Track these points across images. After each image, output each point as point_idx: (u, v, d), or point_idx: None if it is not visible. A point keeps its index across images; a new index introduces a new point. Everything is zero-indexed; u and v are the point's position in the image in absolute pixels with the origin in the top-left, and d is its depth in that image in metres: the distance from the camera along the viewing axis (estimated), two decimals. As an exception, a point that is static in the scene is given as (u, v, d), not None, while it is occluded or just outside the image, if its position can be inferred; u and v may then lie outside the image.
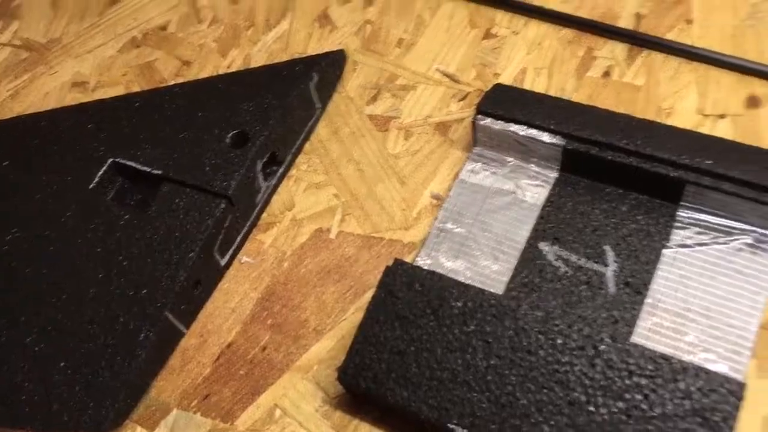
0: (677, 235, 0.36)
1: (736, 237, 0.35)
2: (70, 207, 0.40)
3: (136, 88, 0.49)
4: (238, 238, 0.40)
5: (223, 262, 0.40)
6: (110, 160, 0.41)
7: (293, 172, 0.43)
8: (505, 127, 0.39)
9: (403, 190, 0.41)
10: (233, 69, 0.48)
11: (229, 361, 0.37)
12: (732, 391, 0.29)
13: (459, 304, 0.33)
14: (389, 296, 0.34)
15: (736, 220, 0.35)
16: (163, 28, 0.52)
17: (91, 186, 0.40)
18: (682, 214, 0.36)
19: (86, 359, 0.36)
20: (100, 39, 0.52)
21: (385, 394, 0.32)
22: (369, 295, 0.38)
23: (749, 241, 0.35)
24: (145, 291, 0.37)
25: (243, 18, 0.51)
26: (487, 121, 0.39)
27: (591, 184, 0.38)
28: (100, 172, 0.41)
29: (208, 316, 0.39)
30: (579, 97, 0.42)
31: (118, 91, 0.49)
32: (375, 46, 0.47)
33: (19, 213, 0.40)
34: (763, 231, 0.35)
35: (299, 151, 0.43)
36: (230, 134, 0.40)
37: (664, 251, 0.35)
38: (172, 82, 0.48)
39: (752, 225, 0.35)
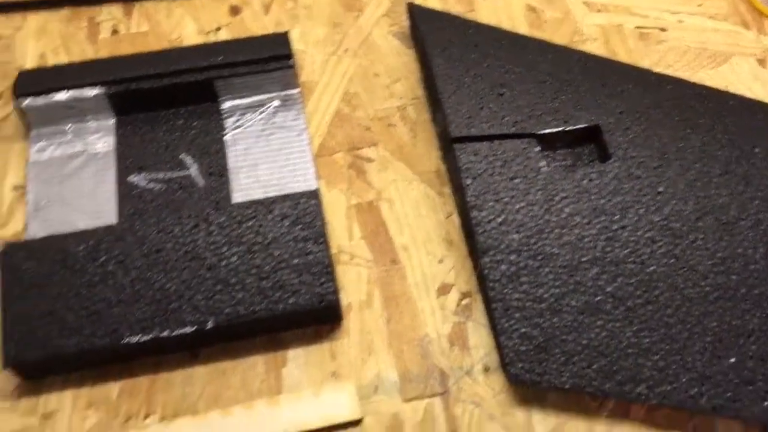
0: (228, 123, 0.44)
1: (268, 104, 0.44)
2: None
3: None
4: None
5: None
6: None
7: None
8: (49, 99, 0.42)
9: (-18, 196, 0.42)
10: None
11: None
12: (309, 196, 0.38)
13: (81, 247, 0.37)
14: (15, 273, 0.36)
15: (261, 93, 0.44)
16: None
17: None
18: (224, 106, 0.44)
19: None
20: None
21: (55, 351, 0.35)
22: (-2, 295, 0.39)
23: (278, 103, 0.44)
24: None
25: None
26: (29, 101, 0.42)
27: (147, 116, 0.44)
28: None
29: None
30: (102, 57, 0.47)
31: None
32: None
33: None
34: (282, 93, 0.44)
35: None
36: None
37: (225, 138, 0.43)
38: None
39: (274, 91, 0.44)
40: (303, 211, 0.38)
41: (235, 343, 0.37)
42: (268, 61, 0.43)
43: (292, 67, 0.44)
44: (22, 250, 0.36)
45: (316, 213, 0.38)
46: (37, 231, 0.40)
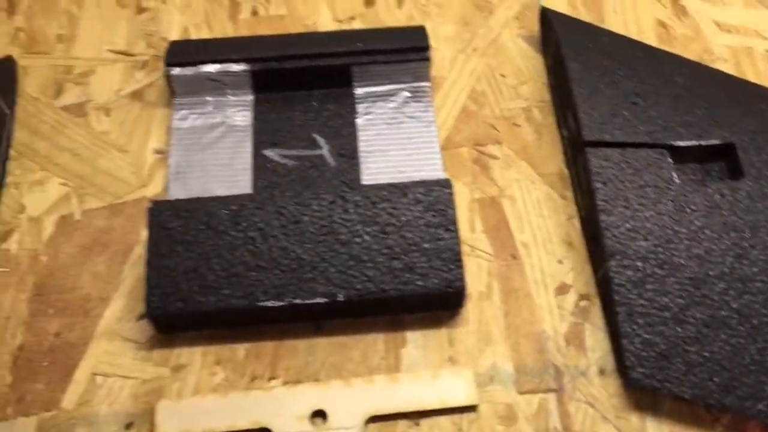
0: (360, 108, 0.45)
1: (399, 94, 0.45)
2: None
3: None
4: (-17, 255, 0.40)
5: (-24, 280, 0.39)
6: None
7: (9, 180, 0.43)
8: (197, 70, 0.44)
9: (127, 156, 0.44)
10: None
11: (28, 360, 0.38)
12: (444, 186, 0.39)
13: (225, 211, 0.38)
14: (162, 230, 0.38)
15: (394, 83, 0.45)
16: None
17: None
18: (357, 91, 0.45)
19: None
20: None
21: (195, 307, 0.36)
22: (137, 250, 0.41)
23: (409, 94, 0.45)
24: None
25: None
26: (178, 71, 0.44)
27: (284, 94, 0.45)
28: None
29: (-15, 334, 0.38)
30: (243, 32, 0.49)
31: None
32: (37, 48, 0.48)
33: None
34: (415, 84, 0.46)
35: (5, 159, 0.44)
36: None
37: (357, 121, 0.44)
38: None
39: (406, 82, 0.46)
40: (436, 198, 0.39)
41: (358, 320, 0.39)
42: (405, 51, 0.45)
43: (428, 59, 0.45)
44: (168, 208, 0.38)
45: (449, 201, 0.39)
46: (177, 193, 0.42)
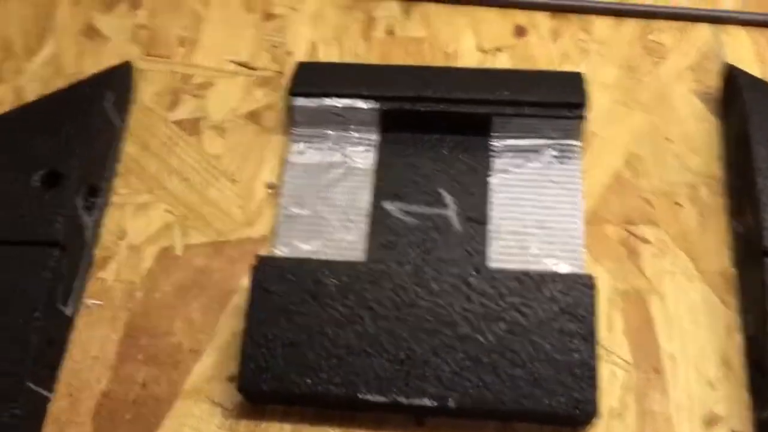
0: (497, 164, 0.39)
1: (543, 152, 0.39)
2: None
3: None
4: (76, 283, 0.38)
5: (68, 311, 0.37)
6: None
7: (114, 198, 0.41)
8: (321, 103, 0.40)
9: (236, 187, 0.41)
10: (5, 108, 0.43)
11: (111, 411, 0.35)
12: (586, 285, 0.34)
13: (334, 281, 0.34)
14: (264, 293, 0.34)
15: (540, 138, 0.40)
16: None
17: None
18: (495, 143, 0.40)
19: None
20: None
21: (290, 387, 0.33)
22: (235, 299, 0.38)
23: (555, 153, 0.39)
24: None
25: (-5, 46, 0.46)
26: (302, 101, 0.40)
27: (412, 137, 0.40)
28: None
29: (72, 372, 0.36)
30: (372, 58, 0.44)
31: None
32: (157, 50, 0.45)
33: None
34: (563, 141, 0.39)
35: (113, 175, 0.41)
36: (37, 175, 0.37)
37: (490, 180, 0.39)
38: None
39: (553, 138, 0.40)
40: (576, 300, 0.33)
41: (465, 420, 0.34)
42: (557, 106, 0.39)
43: (582, 117, 0.39)
44: (275, 268, 0.35)
45: (590, 305, 0.33)
46: (285, 239, 0.38)
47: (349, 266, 0.35)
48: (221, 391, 0.35)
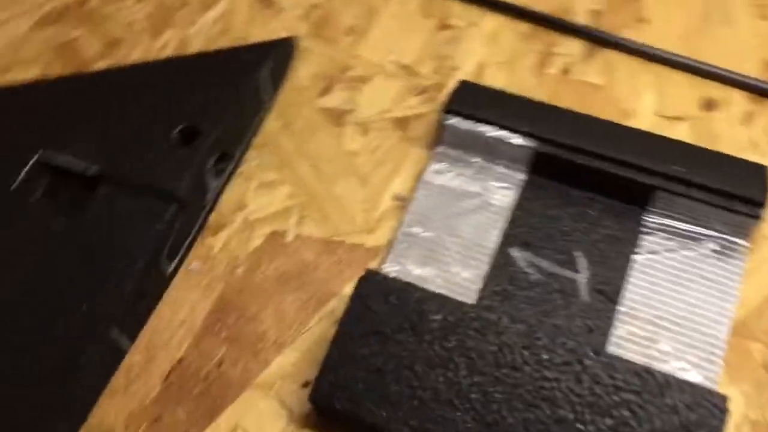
0: (646, 241, 0.36)
1: (703, 243, 0.35)
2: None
3: (54, 71, 0.44)
4: (186, 243, 0.37)
5: (169, 269, 0.36)
6: (36, 155, 0.36)
7: (243, 168, 0.40)
8: (474, 127, 0.37)
9: (363, 190, 0.39)
10: (167, 53, 0.44)
11: (181, 379, 0.34)
12: (717, 406, 0.29)
13: (438, 317, 0.32)
14: (364, 309, 0.32)
15: (703, 226, 0.35)
16: (83, 2, 0.47)
17: (13, 187, 0.35)
18: (650, 219, 0.36)
19: (21, 383, 0.32)
20: (6, 13, 0.47)
21: (362, 414, 0.31)
22: (332, 304, 0.36)
23: (716, 247, 0.35)
24: (86, 306, 0.33)
25: (176, -5, 0.47)
26: (455, 121, 0.37)
27: (560, 187, 0.37)
28: (25, 170, 0.36)
29: (155, 330, 0.36)
30: (539, 94, 0.41)
31: (33, 74, 0.44)
32: (325, 33, 0.44)
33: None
34: (729, 237, 0.35)
35: (248, 146, 0.40)
36: (178, 129, 0.36)
37: (634, 257, 0.35)
38: (97, 66, 0.44)
39: (719, 231, 0.35)
40: (702, 419, 0.29)
41: None
42: (732, 198, 0.34)
43: (758, 217, 0.34)
44: (381, 286, 0.32)
45: (718, 431, 0.29)
46: (400, 258, 0.36)
47: (457, 306, 0.32)
48: (292, 393, 0.34)
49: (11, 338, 0.32)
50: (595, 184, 0.36)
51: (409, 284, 0.33)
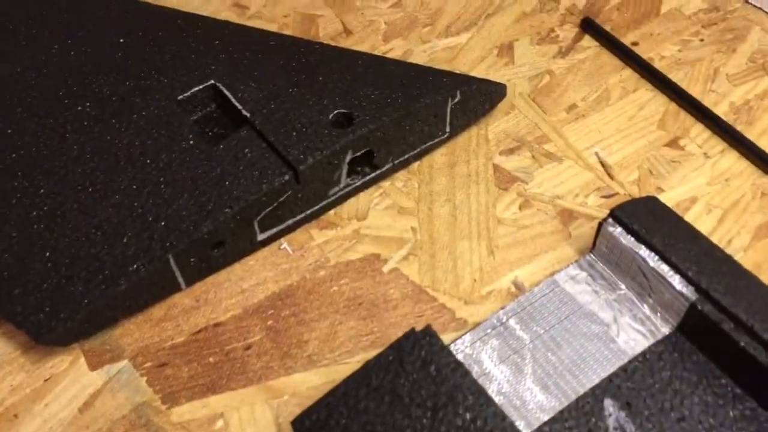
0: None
1: None
2: (150, 108, 0.36)
3: (288, 32, 0.45)
4: (290, 221, 0.35)
5: (261, 237, 0.34)
6: (211, 81, 0.37)
7: (385, 184, 0.37)
8: (634, 247, 0.31)
9: (487, 259, 0.34)
10: (388, 56, 0.43)
11: (207, 341, 0.32)
12: None
13: (468, 416, 0.26)
14: (396, 363, 0.27)
15: None
16: (346, -9, 0.48)
17: (180, 97, 0.37)
18: (802, 457, 0.26)
19: (71, 261, 0.32)
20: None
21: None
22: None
23: None
24: (163, 223, 0.32)
25: (426, 14, 0.46)
26: (617, 231, 0.31)
27: (705, 362, 0.29)
28: (196, 89, 0.37)
29: (215, 284, 0.34)
30: (745, 260, 0.33)
31: (272, 28, 0.45)
32: (543, 100, 0.40)
33: (103, 90, 0.37)
34: None
35: (404, 165, 0.38)
36: (336, 111, 0.35)
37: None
38: (325, 42, 0.44)
39: None
40: None
41: None
42: None
43: None
44: (428, 350, 0.27)
45: None
46: (478, 342, 0.30)
47: (495, 417, 0.26)
48: (292, 414, 0.29)
49: (94, 216, 0.32)
50: (752, 379, 0.28)
51: (460, 366, 0.27)
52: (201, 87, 0.37)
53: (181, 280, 0.33)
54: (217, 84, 0.37)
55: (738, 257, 0.33)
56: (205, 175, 0.33)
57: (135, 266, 0.31)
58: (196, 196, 0.33)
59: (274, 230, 0.35)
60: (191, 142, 0.35)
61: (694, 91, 0.40)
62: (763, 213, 0.35)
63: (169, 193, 0.33)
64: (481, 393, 0.26)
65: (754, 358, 0.27)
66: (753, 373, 0.28)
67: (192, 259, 0.33)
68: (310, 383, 0.31)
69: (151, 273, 0.31)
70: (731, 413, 0.28)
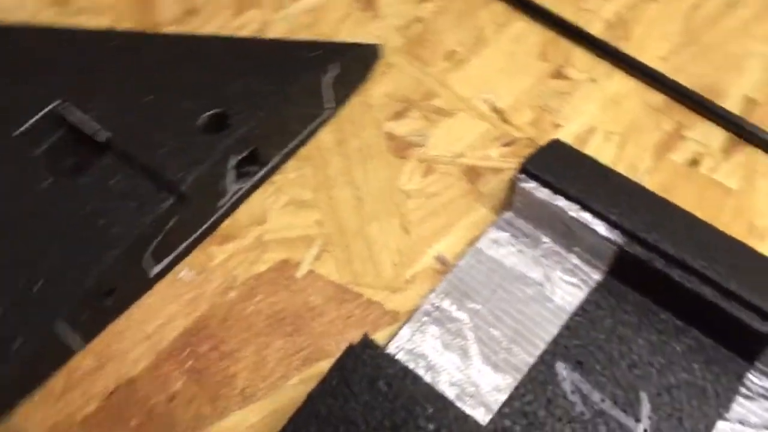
0: (740, 406, 0.26)
1: (819, 431, 0.26)
2: (-16, 151, 0.31)
3: (124, 24, 0.40)
4: (183, 246, 0.31)
5: (154, 270, 0.31)
6: (52, 105, 0.32)
7: (276, 177, 0.34)
8: (552, 200, 0.29)
9: (403, 239, 0.32)
10: (244, 33, 0.39)
11: (124, 403, 0.29)
12: None
13: (431, 427, 0.24)
14: (342, 388, 0.25)
15: (824, 409, 0.26)
16: (178, -38, 0.43)
17: (16, 133, 0.31)
18: (753, 378, 0.27)
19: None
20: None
21: None
22: (322, 365, 0.29)
23: (836, 442, 0.26)
24: (39, 284, 0.28)
25: (274, -25, 0.42)
26: (531, 185, 0.30)
27: (642, 301, 0.29)
28: (33, 120, 0.32)
29: (116, 334, 0.30)
30: (651, 182, 0.33)
31: (102, 22, 0.40)
32: (419, 51, 0.38)
33: None
34: None
35: (291, 154, 0.34)
36: (206, 113, 0.31)
37: (719, 424, 0.26)
38: (168, 29, 0.39)
39: None
40: None
41: None
42: None
43: None
44: (373, 365, 0.25)
45: None
46: (417, 333, 0.29)
47: (460, 421, 0.24)
48: None
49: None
50: (691, 311, 0.28)
51: (408, 372, 0.25)
52: (40, 116, 0.32)
53: (76, 341, 0.29)
54: (59, 108, 0.32)
55: (645, 182, 0.32)
56: (74, 217, 0.29)
57: (17, 344, 0.27)
58: (70, 244, 0.28)
59: (168, 259, 0.31)
60: (48, 180, 0.30)
61: (567, 12, 0.39)
62: (658, 129, 0.35)
63: (37, 248, 0.29)
64: (437, 398, 0.25)
65: (689, 290, 0.27)
66: (690, 304, 0.28)
67: (82, 317, 0.29)
68: (248, 422, 0.28)
69: (37, 345, 0.27)
70: (677, 348, 0.28)
